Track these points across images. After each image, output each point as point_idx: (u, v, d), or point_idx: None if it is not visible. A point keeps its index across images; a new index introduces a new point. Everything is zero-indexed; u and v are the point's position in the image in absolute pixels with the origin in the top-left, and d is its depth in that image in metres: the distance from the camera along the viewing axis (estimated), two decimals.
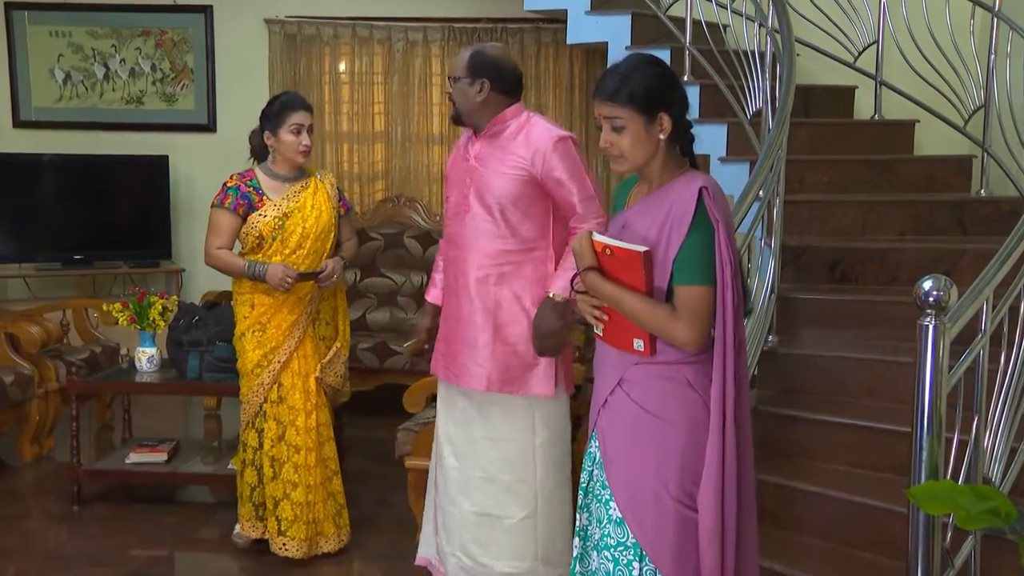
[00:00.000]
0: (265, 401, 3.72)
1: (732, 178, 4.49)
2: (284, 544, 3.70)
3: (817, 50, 5.13)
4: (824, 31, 5.15)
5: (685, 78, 4.93)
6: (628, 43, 5.17)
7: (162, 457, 4.36)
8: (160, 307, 4.35)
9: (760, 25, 4.46)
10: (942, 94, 4.81)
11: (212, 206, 3.73)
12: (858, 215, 4.44)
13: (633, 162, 2.30)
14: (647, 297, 2.23)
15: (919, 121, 5.06)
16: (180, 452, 4.50)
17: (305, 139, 3.66)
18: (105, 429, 5.65)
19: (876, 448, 3.46)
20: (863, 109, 5.38)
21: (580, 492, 2.46)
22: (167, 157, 6.52)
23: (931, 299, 2.50)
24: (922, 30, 4.77)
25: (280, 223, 3.67)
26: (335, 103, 6.59)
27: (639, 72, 2.26)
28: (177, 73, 6.76)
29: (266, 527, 3.76)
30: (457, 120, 3.21)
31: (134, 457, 4.35)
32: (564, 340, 3.09)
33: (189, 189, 6.64)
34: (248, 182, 3.71)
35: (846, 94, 5.40)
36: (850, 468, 3.50)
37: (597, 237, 2.28)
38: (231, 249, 3.71)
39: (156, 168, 6.49)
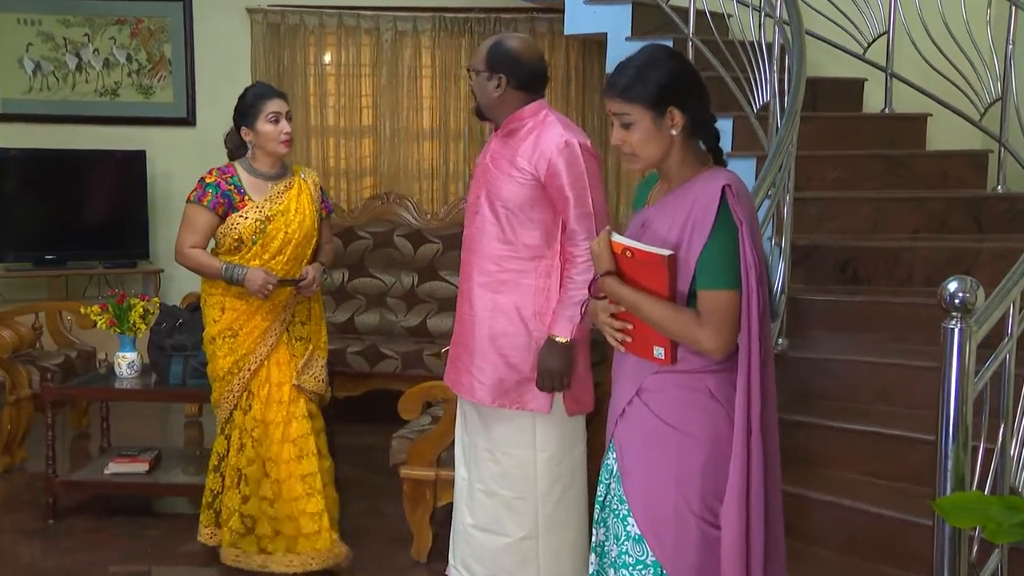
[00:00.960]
0: (235, 408, 3.69)
1: (738, 174, 4.45)
2: (237, 556, 3.70)
3: (825, 41, 5.12)
4: (832, 21, 5.15)
5: None
6: (628, 34, 5.17)
7: (143, 467, 4.32)
8: (141, 309, 4.31)
9: (767, 15, 4.45)
10: (956, 86, 4.80)
11: (188, 201, 3.65)
12: (869, 212, 4.44)
13: (646, 160, 2.28)
14: (670, 302, 2.20)
15: (931, 115, 5.06)
16: (162, 462, 4.46)
17: (285, 126, 3.59)
18: (81, 438, 5.60)
19: (893, 456, 3.46)
20: (872, 102, 5.38)
21: (596, 505, 2.44)
22: (144, 152, 6.48)
23: (956, 301, 2.48)
24: (935, 20, 4.77)
25: (262, 227, 3.61)
26: (321, 96, 6.57)
27: (650, 66, 2.24)
28: (154, 64, 6.72)
29: (222, 535, 3.77)
30: (479, 114, 3.17)
31: (114, 467, 4.31)
32: (568, 381, 3.04)
33: (167, 185, 6.60)
34: (229, 179, 3.63)
35: (855, 87, 5.39)
36: (866, 477, 3.50)
37: (617, 238, 2.26)
38: (205, 248, 3.66)
39: (132, 164, 6.45)
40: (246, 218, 3.60)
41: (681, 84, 2.26)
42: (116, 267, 6.38)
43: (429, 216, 6.31)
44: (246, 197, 3.62)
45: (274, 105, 3.59)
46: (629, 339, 2.28)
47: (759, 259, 2.19)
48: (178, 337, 4.21)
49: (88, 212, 6.49)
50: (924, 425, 3.52)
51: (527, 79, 3.06)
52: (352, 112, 6.59)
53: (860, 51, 5.15)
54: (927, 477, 3.37)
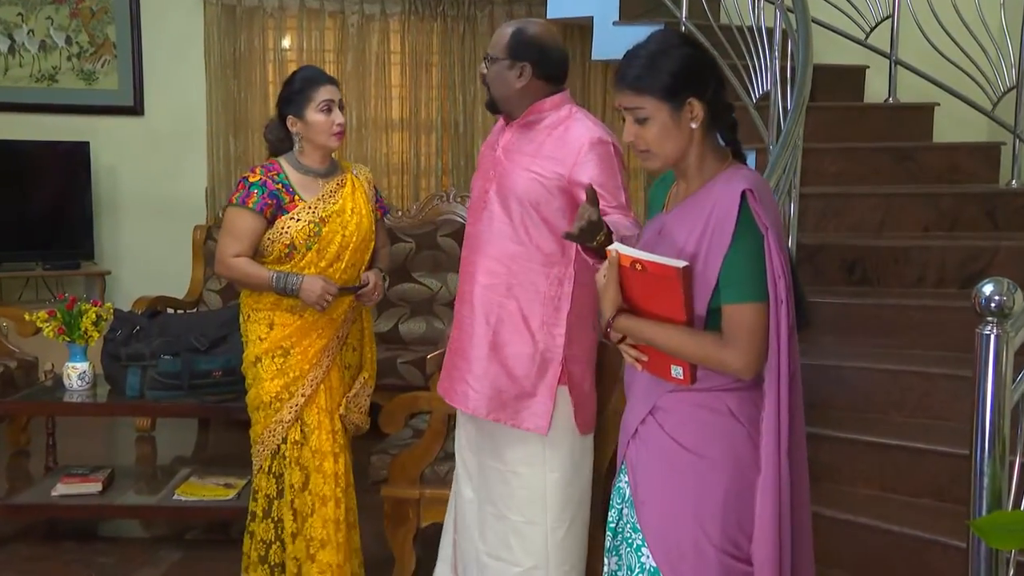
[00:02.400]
0: (284, 442, 3.43)
1: None
2: None
3: (824, 26, 5.12)
4: (832, 4, 5.17)
5: None
6: (616, 18, 5.15)
7: (96, 487, 4.22)
8: (94, 316, 4.21)
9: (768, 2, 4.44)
10: (968, 74, 4.81)
11: (231, 204, 3.40)
12: (877, 209, 4.44)
13: (664, 158, 2.21)
14: (688, 328, 2.15)
15: (939, 104, 5.08)
16: (115, 481, 4.37)
17: (338, 117, 3.36)
18: (19, 456, 5.47)
19: (910, 470, 3.45)
20: (873, 91, 5.39)
21: (608, 532, 2.39)
22: (88, 144, 6.37)
23: (992, 305, 2.45)
24: (944, 3, 4.78)
25: (316, 229, 3.37)
26: (281, 84, 6.42)
27: (662, 54, 2.18)
28: (97, 48, 6.60)
29: None
30: (492, 107, 3.09)
31: (62, 488, 4.21)
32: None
33: (113, 180, 6.50)
34: (275, 177, 3.38)
35: (855, 74, 5.41)
36: (882, 492, 3.49)
37: (624, 250, 2.18)
38: (251, 257, 3.40)
39: (75, 156, 6.33)
40: (298, 220, 3.36)
41: (699, 71, 2.20)
42: (57, 269, 6.26)
43: (401, 213, 6.25)
44: (296, 197, 3.38)
45: (326, 92, 3.36)
46: (646, 357, 2.23)
47: (787, 266, 2.14)
48: (135, 345, 4.11)
49: (25, 209, 6.33)
50: (943, 436, 3.52)
51: (553, 68, 2.99)
52: None
53: (862, 36, 5.17)
54: (948, 492, 3.40)
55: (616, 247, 2.20)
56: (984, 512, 2.54)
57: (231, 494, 4.13)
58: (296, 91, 3.38)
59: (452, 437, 3.79)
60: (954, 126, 5.24)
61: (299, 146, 3.42)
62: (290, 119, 3.39)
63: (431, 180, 6.54)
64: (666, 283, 2.13)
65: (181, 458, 5.59)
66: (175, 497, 4.13)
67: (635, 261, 2.16)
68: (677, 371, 2.20)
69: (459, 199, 6.11)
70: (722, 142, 2.28)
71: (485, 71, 3.04)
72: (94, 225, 6.40)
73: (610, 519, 2.38)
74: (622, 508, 2.33)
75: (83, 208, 6.35)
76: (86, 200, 6.36)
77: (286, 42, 6.50)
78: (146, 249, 6.53)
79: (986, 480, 2.50)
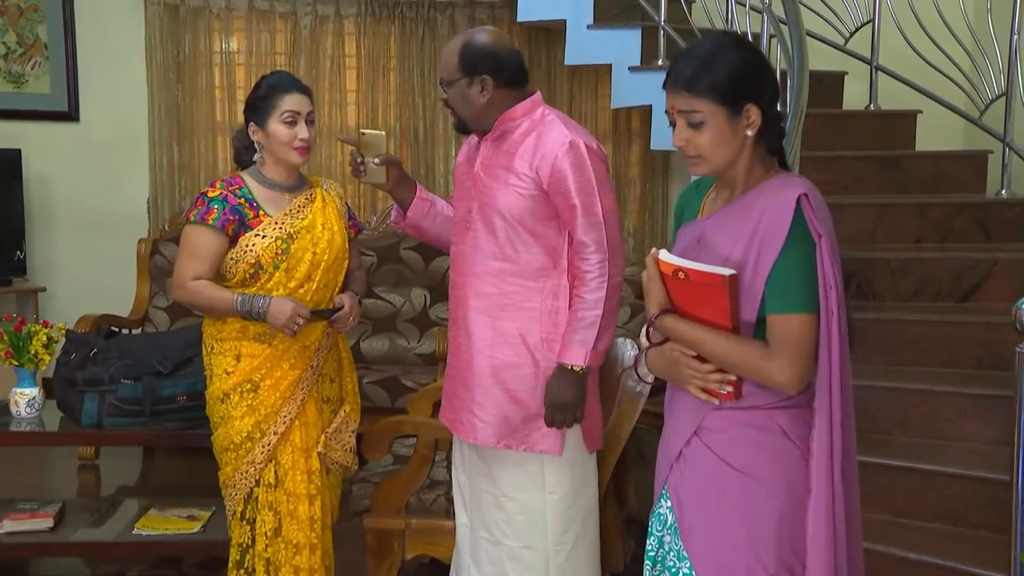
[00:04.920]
0: (257, 484, 3.26)
1: None
2: None
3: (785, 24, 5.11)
4: (809, 8, 5.16)
5: (660, 62, 4.88)
6: (590, 21, 5.11)
7: (47, 523, 4.01)
8: (44, 338, 4.01)
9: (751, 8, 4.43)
10: (953, 81, 4.85)
11: (189, 222, 3.20)
12: (867, 219, 4.45)
13: (714, 164, 2.17)
14: (733, 335, 2.11)
15: (921, 112, 5.10)
16: (66, 515, 4.17)
17: (303, 131, 3.18)
18: None
19: (921, 493, 3.44)
20: (852, 98, 5.41)
21: (647, 562, 2.34)
22: (19, 151, 6.13)
23: None
24: (927, 8, 4.80)
25: (284, 247, 3.20)
26: (228, 88, 6.32)
27: (722, 55, 2.13)
28: (27, 48, 6.36)
29: None
30: (462, 129, 3.05)
31: (9, 525, 3.98)
32: (581, 414, 2.95)
33: (46, 190, 6.28)
34: (237, 192, 3.22)
35: (834, 81, 5.43)
36: (891, 517, 3.48)
37: (667, 257, 2.15)
38: (212, 279, 3.25)
39: (4, 164, 6.07)
40: (264, 237, 3.19)
41: (757, 75, 2.16)
42: None
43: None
44: (261, 212, 3.22)
45: (292, 102, 3.17)
46: (730, 389, 2.16)
47: (839, 276, 2.10)
48: (92, 369, 3.91)
49: None
50: (953, 457, 3.52)
51: (513, 73, 2.96)
52: None
53: (841, 42, 5.18)
54: (963, 517, 3.39)
55: (661, 254, 2.16)
56: None
57: (196, 527, 3.95)
58: (260, 97, 3.22)
59: (438, 463, 3.71)
60: (931, 134, 5.26)
61: (260, 156, 3.28)
62: (252, 127, 3.24)
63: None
64: (711, 292, 2.09)
65: (126, 487, 5.42)
66: (135, 532, 3.95)
67: (678, 269, 2.13)
68: (724, 385, 2.16)
69: None
70: (768, 152, 2.23)
71: (445, 97, 3.00)
72: (26, 238, 6.16)
73: (649, 547, 2.34)
74: (663, 536, 2.28)
75: (14, 220, 6.10)
76: (17, 211, 6.10)
77: (233, 44, 6.33)
78: (83, 264, 6.31)
79: None
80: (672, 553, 2.25)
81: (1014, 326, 2.50)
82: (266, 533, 3.26)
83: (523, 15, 5.26)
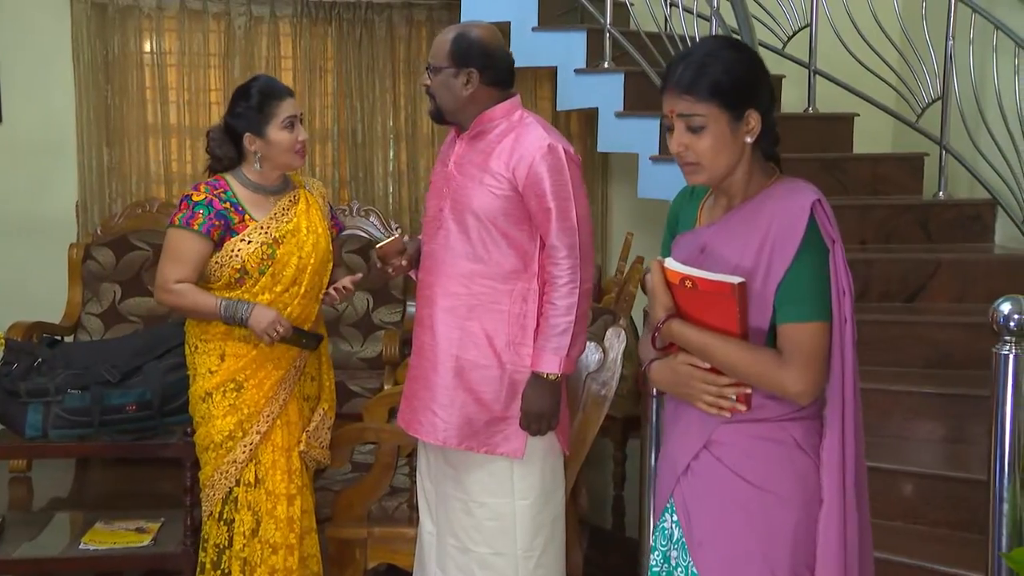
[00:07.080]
0: (237, 484, 3.24)
1: (666, 181, 4.45)
2: None
3: (738, 35, 5.15)
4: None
5: (605, 64, 4.88)
6: (535, 23, 5.09)
7: None
8: None
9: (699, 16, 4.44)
10: (890, 85, 4.93)
11: (172, 226, 3.20)
12: None
13: (713, 171, 2.11)
14: (744, 342, 2.07)
15: (859, 115, 5.18)
16: (5, 531, 4.02)
17: (301, 133, 3.22)
18: None
19: (880, 491, 3.44)
20: (790, 101, 5.46)
21: None
22: None
23: (1011, 324, 2.48)
24: (864, 13, 4.87)
25: (270, 252, 3.20)
26: (160, 90, 6.16)
27: (722, 58, 2.08)
28: None
29: None
30: (437, 118, 3.03)
31: None
32: (556, 422, 2.94)
33: None
34: (222, 196, 3.21)
35: (773, 84, 5.45)
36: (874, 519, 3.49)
37: (674, 266, 2.10)
38: (195, 283, 3.21)
39: None
40: (249, 242, 3.19)
41: (758, 79, 2.13)
42: None
43: None
44: (246, 216, 3.22)
45: (289, 107, 3.19)
46: (745, 407, 2.11)
47: (851, 283, 2.08)
48: (37, 379, 3.77)
49: None
50: (909, 456, 3.57)
51: (501, 73, 2.96)
52: (198, 109, 6.19)
53: (779, 45, 5.23)
54: (922, 514, 3.43)
55: (667, 262, 2.12)
56: (1005, 540, 2.55)
57: (146, 539, 3.83)
58: (255, 106, 3.19)
59: (399, 470, 3.66)
60: (865, 137, 5.34)
61: (258, 166, 3.25)
62: (248, 137, 3.20)
63: (329, 193, 6.30)
64: (720, 300, 2.05)
65: (59, 499, 5.24)
66: (82, 546, 3.82)
67: (685, 278, 2.08)
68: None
69: (363, 213, 5.94)
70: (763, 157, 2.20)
71: (428, 82, 2.99)
72: None
73: (653, 563, 2.28)
74: (668, 551, 2.24)
75: None
76: None
77: (165, 44, 6.17)
78: (8, 270, 6.09)
79: (1006, 507, 2.52)
80: (680, 569, 2.20)
81: (991, 327, 2.53)
82: (244, 533, 3.25)
83: (466, 16, 5.20)
